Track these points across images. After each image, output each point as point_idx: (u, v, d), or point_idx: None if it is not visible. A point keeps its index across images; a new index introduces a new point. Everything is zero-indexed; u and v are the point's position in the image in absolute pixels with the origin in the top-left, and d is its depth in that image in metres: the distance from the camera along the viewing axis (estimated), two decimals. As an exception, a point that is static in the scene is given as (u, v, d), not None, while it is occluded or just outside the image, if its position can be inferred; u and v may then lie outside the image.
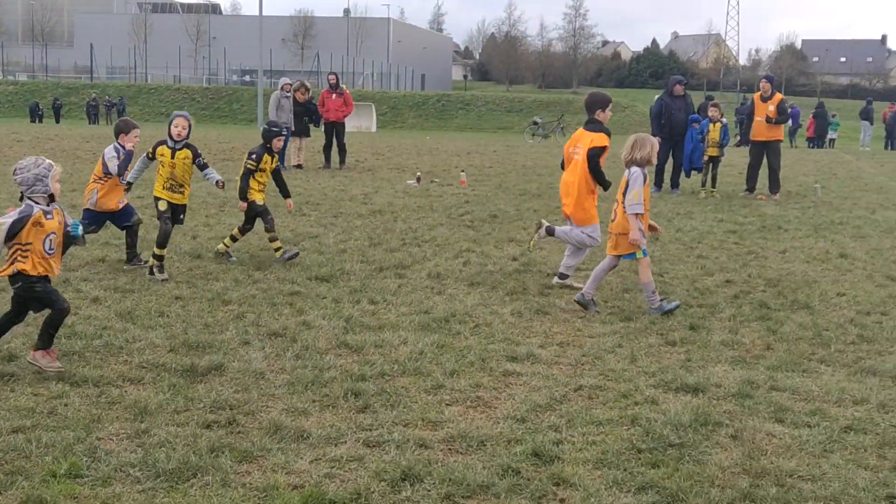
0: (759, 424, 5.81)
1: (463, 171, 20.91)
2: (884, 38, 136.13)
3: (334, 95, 23.95)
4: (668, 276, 10.58)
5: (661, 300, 8.86)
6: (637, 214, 8.74)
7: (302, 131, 22.92)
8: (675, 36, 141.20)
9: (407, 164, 24.29)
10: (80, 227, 6.83)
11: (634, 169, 8.85)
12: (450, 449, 5.33)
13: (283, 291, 9.20)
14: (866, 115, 47.46)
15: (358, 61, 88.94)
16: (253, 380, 6.47)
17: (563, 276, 10.14)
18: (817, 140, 45.97)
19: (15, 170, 6.51)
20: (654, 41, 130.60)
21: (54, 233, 6.57)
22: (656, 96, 21.14)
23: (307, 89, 23.01)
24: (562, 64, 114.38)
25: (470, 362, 7.00)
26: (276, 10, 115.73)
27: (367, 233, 12.98)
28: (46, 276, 6.56)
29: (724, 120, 20.73)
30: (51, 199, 6.56)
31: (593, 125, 10.03)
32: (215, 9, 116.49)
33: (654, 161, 9.27)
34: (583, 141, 9.98)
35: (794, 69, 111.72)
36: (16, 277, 6.49)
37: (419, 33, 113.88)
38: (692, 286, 10.00)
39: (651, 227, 9.18)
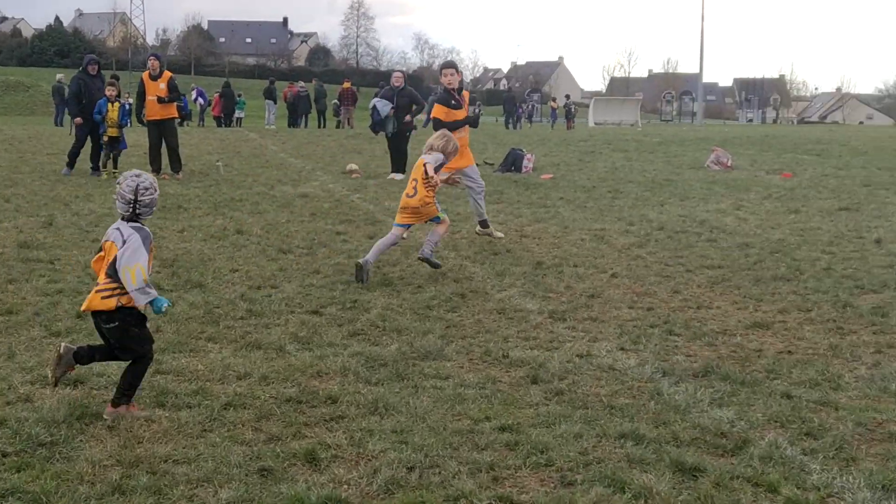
0: (139, 412, 5.67)
1: None
2: (285, 20, 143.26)
3: None
4: (59, 262, 10.10)
5: (433, 253, 9.93)
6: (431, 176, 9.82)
7: None
8: (80, 14, 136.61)
9: None
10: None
11: (436, 155, 9.98)
12: None
13: None
14: (270, 95, 49.60)
15: None
16: None
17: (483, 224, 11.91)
18: (224, 119, 47.03)
19: (139, 188, 5.47)
20: (57, 18, 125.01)
21: None
22: (73, 76, 20.12)
23: None
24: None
25: None
26: None
27: None
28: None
29: (125, 101, 20.37)
30: None
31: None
32: None
33: (453, 152, 10.24)
34: None
35: (202, 49, 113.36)
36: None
37: None
38: (84, 272, 9.62)
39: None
